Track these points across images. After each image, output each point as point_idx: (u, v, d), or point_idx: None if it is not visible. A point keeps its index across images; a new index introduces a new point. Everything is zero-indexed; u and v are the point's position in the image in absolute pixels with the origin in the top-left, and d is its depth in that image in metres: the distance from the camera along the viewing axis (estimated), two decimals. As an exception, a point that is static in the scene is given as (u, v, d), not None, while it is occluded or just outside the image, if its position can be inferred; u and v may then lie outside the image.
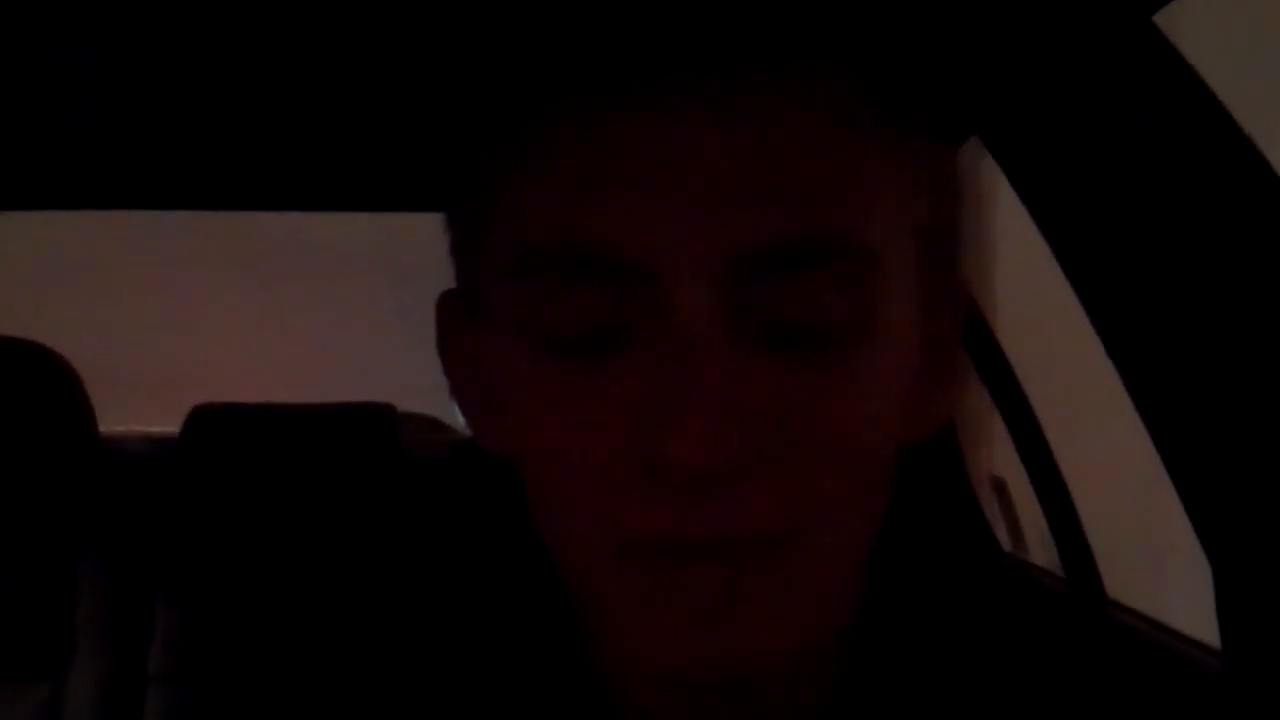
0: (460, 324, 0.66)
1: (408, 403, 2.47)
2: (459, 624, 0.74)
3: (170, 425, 2.38)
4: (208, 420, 2.33)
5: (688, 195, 0.55)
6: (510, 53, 0.63)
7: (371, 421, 2.38)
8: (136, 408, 2.83)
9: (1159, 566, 2.48)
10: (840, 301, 0.57)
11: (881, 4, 0.61)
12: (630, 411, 0.56)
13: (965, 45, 1.20)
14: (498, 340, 0.62)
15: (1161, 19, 1.11)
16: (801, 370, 0.57)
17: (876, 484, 0.61)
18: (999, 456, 3.15)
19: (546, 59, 0.60)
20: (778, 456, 0.56)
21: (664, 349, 0.56)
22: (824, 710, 0.67)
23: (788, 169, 0.56)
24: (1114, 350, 1.28)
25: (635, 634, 0.60)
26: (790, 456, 0.57)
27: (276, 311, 3.94)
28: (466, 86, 0.65)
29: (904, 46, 0.62)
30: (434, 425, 2.80)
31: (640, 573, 0.58)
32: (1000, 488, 3.11)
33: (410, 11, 1.30)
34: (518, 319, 0.59)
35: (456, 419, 3.49)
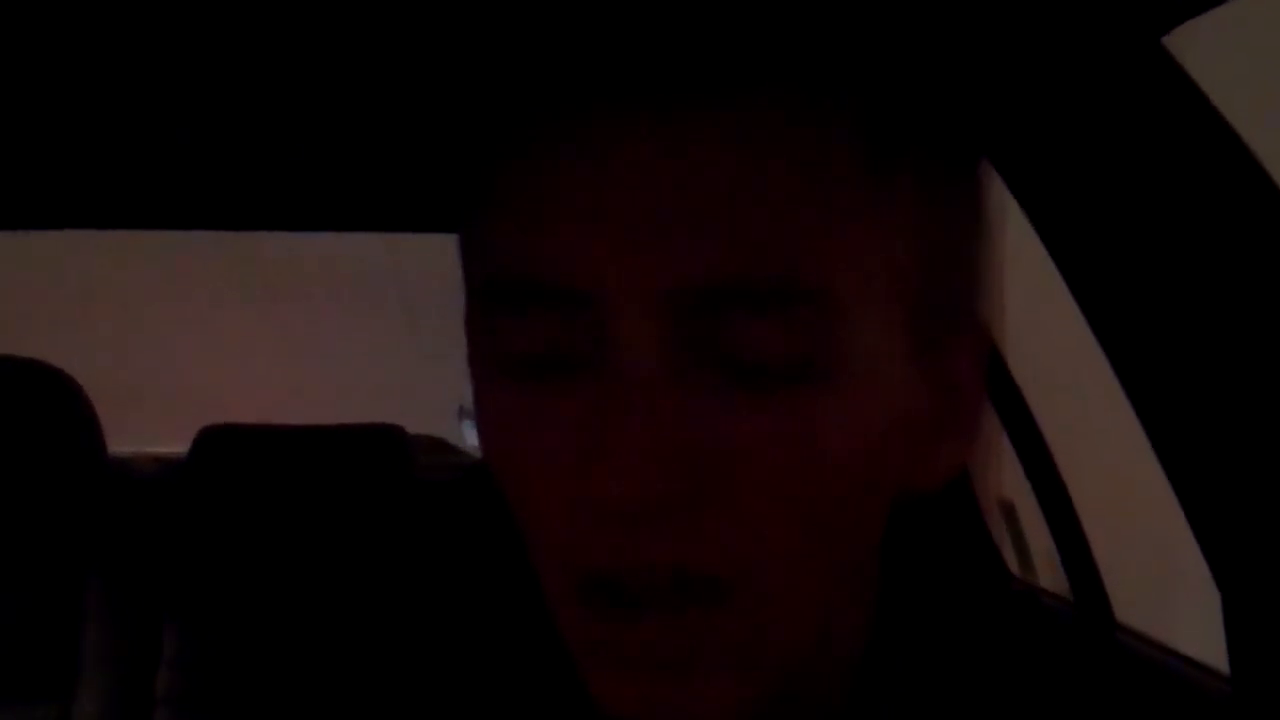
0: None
1: (417, 424, 2.47)
2: (466, 647, 0.74)
3: (179, 446, 2.38)
4: (216, 441, 2.34)
5: (626, 227, 0.54)
6: (479, 87, 0.62)
7: (381, 442, 2.38)
8: (145, 429, 2.83)
9: (1167, 590, 2.47)
10: (787, 344, 0.55)
11: (871, 35, 0.59)
12: (570, 444, 0.56)
13: (973, 68, 1.21)
14: (472, 367, 0.62)
15: (1171, 42, 1.11)
16: (749, 411, 0.55)
17: (839, 535, 0.58)
18: (1007, 479, 3.15)
19: (509, 92, 0.59)
20: (717, 498, 0.55)
21: (603, 382, 0.55)
22: None
23: (742, 204, 0.54)
24: (1122, 372, 1.28)
25: (592, 684, 0.59)
26: (730, 499, 0.55)
27: (285, 332, 3.95)
28: (444, 123, 0.65)
29: (894, 81, 0.59)
30: (443, 447, 2.80)
31: (596, 623, 0.58)
32: (1008, 510, 3.11)
33: (393, 41, 1.31)
34: (483, 348, 0.60)
35: (464, 441, 3.49)
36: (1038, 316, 2.51)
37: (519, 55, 0.59)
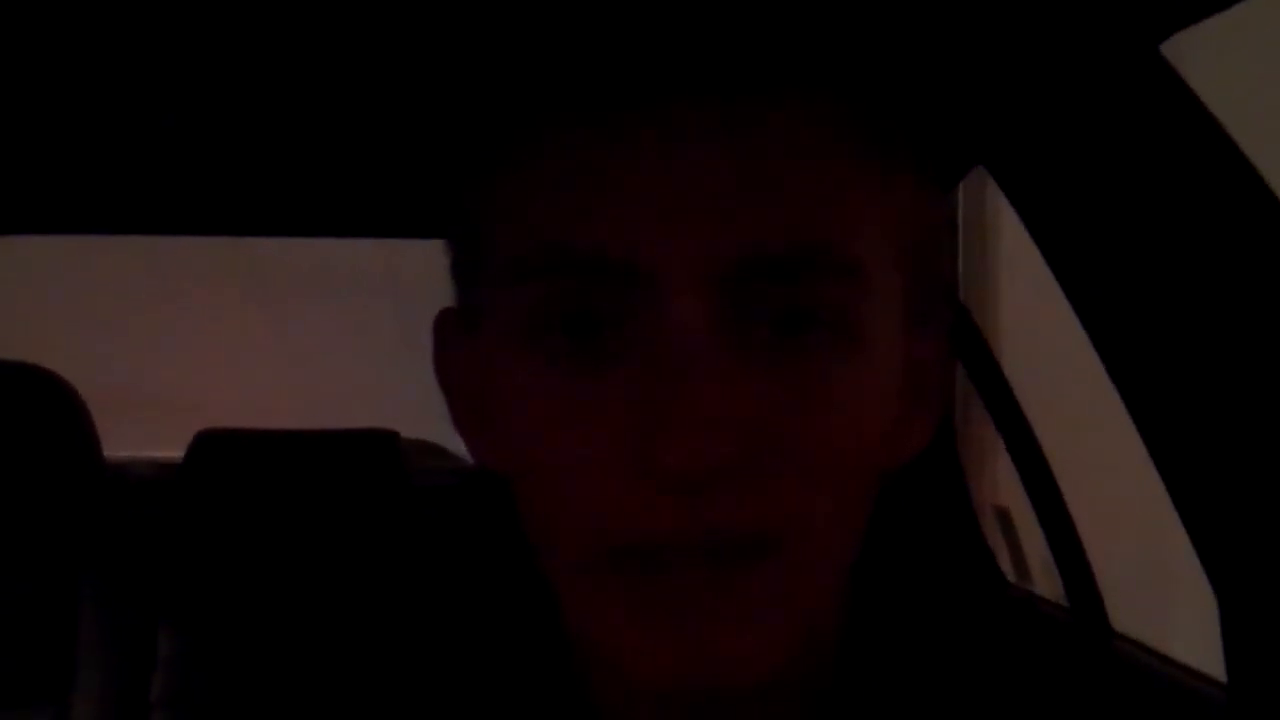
0: (458, 339, 0.68)
1: (411, 429, 2.47)
2: (461, 651, 0.74)
3: (174, 451, 2.38)
4: (212, 445, 2.34)
5: (685, 204, 0.58)
6: (518, 76, 0.65)
7: (375, 447, 2.38)
8: (141, 433, 2.83)
9: (1164, 597, 2.47)
10: (828, 313, 0.59)
11: (867, 43, 0.64)
12: (625, 417, 0.58)
13: (970, 76, 1.21)
14: (497, 351, 0.63)
15: (1168, 49, 1.11)
16: (788, 381, 0.59)
17: (858, 500, 0.62)
18: (1003, 486, 3.15)
19: (556, 82, 0.62)
20: (765, 463, 0.58)
21: (658, 355, 0.58)
22: None
23: (780, 184, 0.59)
24: (1118, 378, 1.28)
25: (622, 647, 0.60)
26: (776, 464, 0.58)
27: (280, 337, 3.95)
28: (470, 104, 0.67)
29: (887, 84, 0.64)
30: (437, 452, 2.80)
31: (629, 585, 0.59)
32: (1004, 518, 3.11)
33: (415, 37, 1.31)
34: (517, 327, 0.61)
35: (459, 446, 3.48)
36: (1034, 323, 2.52)
37: (571, 55, 0.62)
